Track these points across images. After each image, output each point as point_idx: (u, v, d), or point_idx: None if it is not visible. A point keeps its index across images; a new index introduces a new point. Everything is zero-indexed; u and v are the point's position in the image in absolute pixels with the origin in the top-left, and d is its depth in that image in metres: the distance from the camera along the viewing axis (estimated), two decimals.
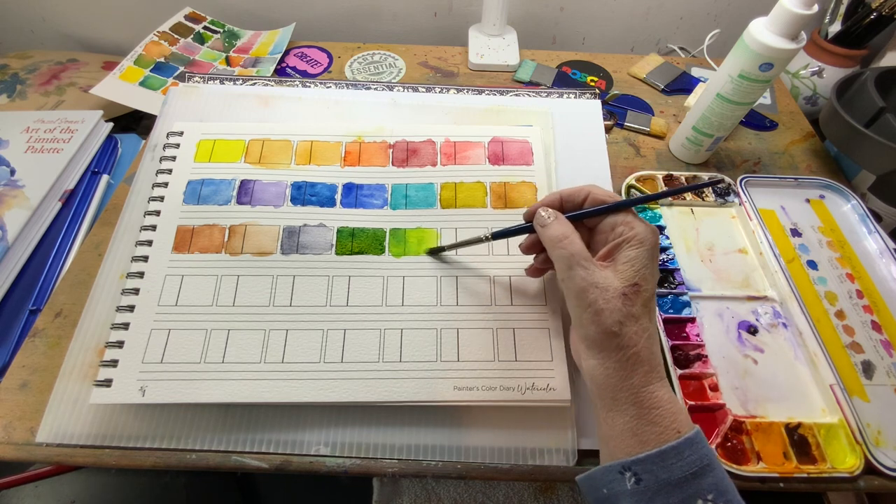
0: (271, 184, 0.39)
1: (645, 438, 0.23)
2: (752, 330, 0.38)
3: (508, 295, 0.35)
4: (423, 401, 0.31)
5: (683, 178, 0.46)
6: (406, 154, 0.41)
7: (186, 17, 0.63)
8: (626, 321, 0.24)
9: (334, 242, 0.36)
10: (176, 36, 0.60)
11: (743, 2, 0.66)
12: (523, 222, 0.30)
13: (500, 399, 0.31)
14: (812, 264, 0.41)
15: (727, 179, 0.46)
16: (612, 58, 0.62)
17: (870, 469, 0.31)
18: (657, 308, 0.37)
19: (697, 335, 0.37)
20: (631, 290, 0.24)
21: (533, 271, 0.33)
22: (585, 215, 0.28)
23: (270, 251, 0.36)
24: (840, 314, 0.39)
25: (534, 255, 0.32)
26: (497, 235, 0.31)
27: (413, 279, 0.35)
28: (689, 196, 0.45)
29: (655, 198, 0.28)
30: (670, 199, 0.45)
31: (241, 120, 0.44)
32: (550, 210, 0.28)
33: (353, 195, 0.39)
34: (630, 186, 0.45)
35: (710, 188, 0.46)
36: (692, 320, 0.37)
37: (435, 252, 0.36)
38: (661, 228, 0.43)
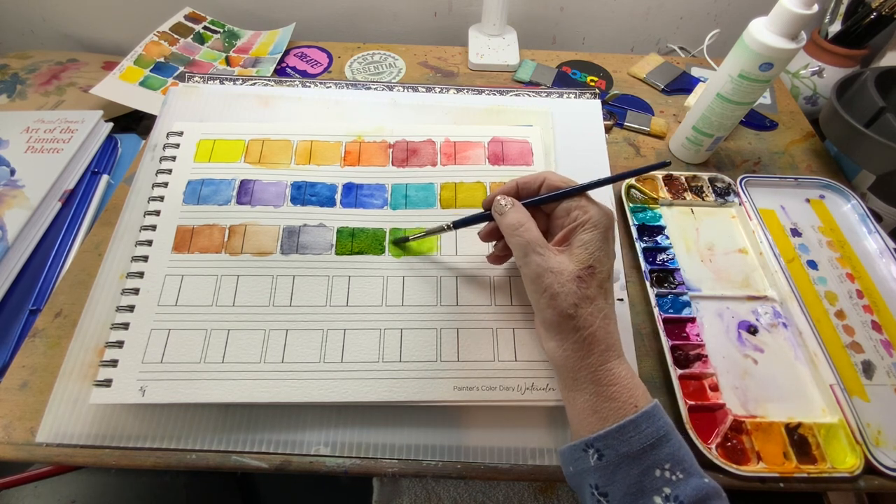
0: (271, 184, 0.39)
1: (605, 415, 0.24)
2: (752, 330, 0.38)
3: (508, 295, 0.35)
4: (422, 401, 0.31)
5: (683, 178, 0.46)
6: (406, 154, 0.41)
7: (186, 17, 0.63)
8: (581, 303, 0.25)
9: (334, 242, 0.36)
10: (176, 36, 0.60)
11: (743, 2, 0.66)
12: (482, 211, 0.31)
13: (499, 399, 0.31)
14: (812, 264, 0.41)
15: (728, 180, 0.46)
16: (612, 58, 0.62)
17: (870, 469, 0.31)
18: (653, 306, 0.37)
19: (697, 335, 0.37)
20: (585, 272, 0.25)
21: (493, 259, 0.33)
22: (541, 201, 0.29)
23: (270, 251, 0.36)
24: (840, 314, 0.39)
25: (493, 243, 0.33)
26: (458, 224, 0.32)
27: (413, 279, 0.35)
28: (689, 196, 0.45)
29: (604, 183, 0.28)
30: (670, 198, 0.45)
31: (241, 120, 0.44)
32: (507, 198, 0.28)
33: (353, 195, 0.39)
34: (630, 186, 0.45)
35: (711, 188, 0.46)
36: (692, 320, 0.37)
37: (399, 242, 0.36)
38: (661, 228, 0.43)
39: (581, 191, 0.28)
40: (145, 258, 0.35)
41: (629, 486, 0.22)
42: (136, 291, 0.34)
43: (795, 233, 0.43)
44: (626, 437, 0.23)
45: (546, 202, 0.29)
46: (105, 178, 0.48)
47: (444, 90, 0.49)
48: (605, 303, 0.26)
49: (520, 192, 0.30)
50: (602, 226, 0.26)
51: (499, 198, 0.29)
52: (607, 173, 0.43)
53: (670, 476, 0.22)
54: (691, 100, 0.55)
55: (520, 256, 0.27)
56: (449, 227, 0.32)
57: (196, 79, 0.49)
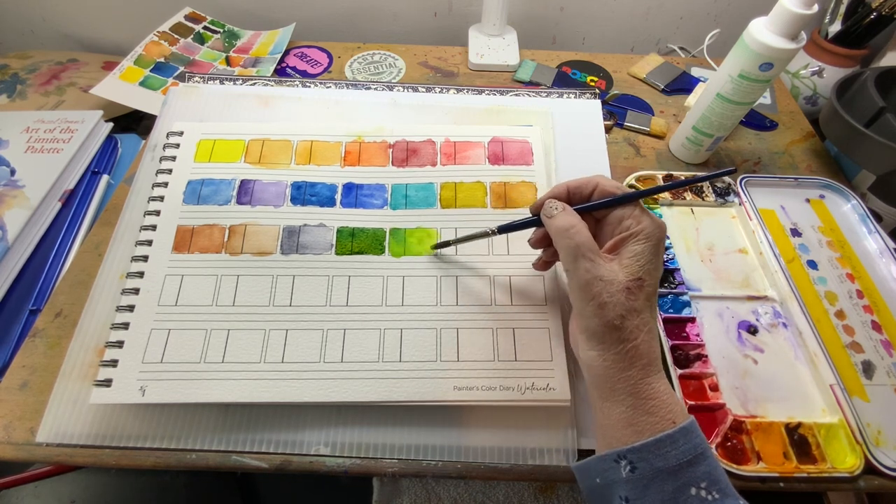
0: (271, 184, 0.39)
1: (640, 428, 0.23)
2: (752, 330, 0.38)
3: (508, 295, 0.35)
4: (422, 401, 0.31)
5: (683, 178, 0.46)
6: (406, 154, 0.41)
7: (186, 17, 0.63)
8: (629, 315, 0.24)
9: (334, 242, 0.36)
10: (176, 36, 0.60)
11: (743, 2, 0.66)
12: (530, 216, 0.30)
13: (499, 399, 0.31)
14: (812, 264, 0.41)
15: (727, 180, 0.46)
16: (612, 58, 0.62)
17: (870, 469, 0.31)
18: (658, 306, 0.37)
19: (697, 335, 0.37)
20: (635, 284, 0.25)
21: (541, 265, 0.33)
22: (593, 207, 0.28)
23: (270, 251, 0.36)
24: (840, 314, 0.39)
25: (542, 250, 0.32)
26: (503, 229, 0.31)
27: (413, 279, 0.35)
28: (689, 196, 0.45)
29: (665, 189, 0.28)
30: (670, 198, 0.45)
31: (241, 120, 0.45)
32: (557, 202, 0.28)
33: (353, 195, 0.39)
34: (630, 186, 0.45)
35: (711, 188, 0.46)
36: (692, 320, 0.37)
37: (440, 246, 0.36)
38: None
39: (636, 198, 0.27)
40: (145, 258, 0.35)
41: (663, 502, 0.22)
42: (136, 291, 0.34)
43: (795, 233, 0.43)
44: (663, 452, 0.22)
45: (598, 208, 0.27)
46: (105, 178, 0.48)
47: (444, 90, 0.49)
48: (650, 316, 0.25)
49: (570, 197, 0.29)
50: (655, 238, 0.25)
51: (549, 201, 0.28)
52: (607, 174, 0.43)
53: (706, 495, 0.22)
54: (691, 100, 0.55)
55: (569, 261, 0.25)
56: (494, 232, 0.31)
57: (196, 79, 0.49)
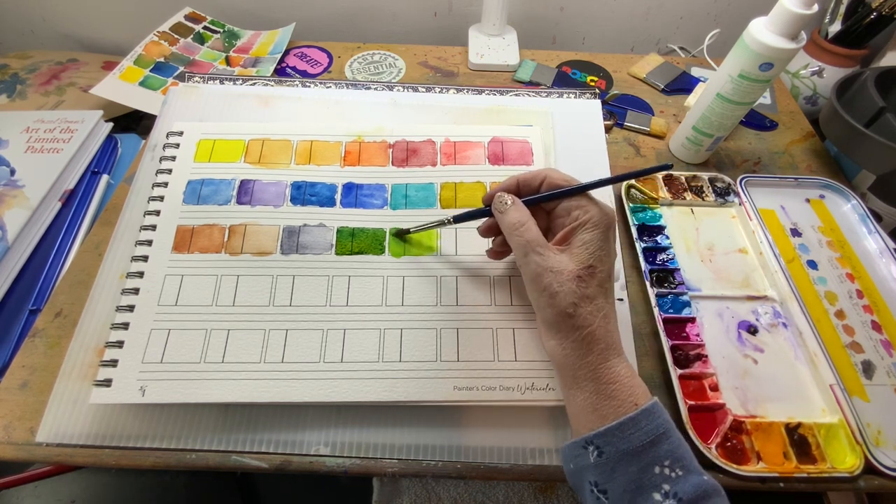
0: (271, 184, 0.39)
1: (604, 413, 0.24)
2: (752, 330, 0.38)
3: (508, 295, 0.35)
4: (422, 401, 0.31)
5: (683, 178, 0.46)
6: (406, 154, 0.41)
7: (186, 17, 0.63)
8: (581, 302, 0.25)
9: (334, 242, 0.36)
10: (176, 36, 0.60)
11: (743, 1, 0.66)
12: (483, 207, 0.31)
13: (499, 399, 0.31)
14: (812, 264, 0.41)
15: (727, 180, 0.46)
16: (611, 58, 0.62)
17: (870, 469, 0.31)
18: (653, 306, 0.37)
19: (697, 335, 0.37)
20: (585, 272, 0.25)
21: (493, 254, 0.33)
22: (541, 199, 0.29)
23: (270, 251, 0.36)
24: (840, 314, 0.39)
25: (492, 238, 0.33)
26: (458, 219, 0.32)
27: (413, 279, 0.35)
28: (689, 196, 0.45)
29: (605, 183, 0.28)
30: (670, 198, 0.45)
31: (241, 120, 0.45)
32: (507, 195, 0.28)
33: (353, 195, 0.39)
34: (630, 186, 0.45)
35: (711, 188, 0.46)
36: (692, 320, 0.37)
37: (400, 235, 0.36)
38: (661, 228, 0.43)
39: (582, 190, 0.28)
40: (145, 258, 0.35)
41: (628, 483, 0.22)
42: (136, 291, 0.34)
43: (795, 233, 0.43)
44: (626, 435, 0.23)
45: (546, 200, 0.28)
46: (105, 177, 0.48)
47: (444, 90, 0.49)
48: (605, 302, 0.26)
49: (520, 189, 0.29)
50: (603, 225, 0.26)
51: (499, 195, 0.29)
52: (607, 173, 0.43)
53: (669, 473, 0.22)
54: (691, 100, 0.55)
55: (520, 256, 0.27)
56: (449, 222, 0.32)
57: (196, 79, 0.49)
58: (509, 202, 0.28)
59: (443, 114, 0.46)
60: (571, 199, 0.27)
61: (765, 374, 0.36)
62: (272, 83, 0.50)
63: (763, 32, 0.38)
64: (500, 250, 0.33)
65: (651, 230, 0.43)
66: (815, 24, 0.59)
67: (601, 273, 0.26)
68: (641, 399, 0.24)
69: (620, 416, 0.24)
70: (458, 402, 0.31)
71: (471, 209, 0.32)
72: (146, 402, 0.30)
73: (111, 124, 0.52)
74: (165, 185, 0.39)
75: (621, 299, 0.38)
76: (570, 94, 0.49)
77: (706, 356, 0.36)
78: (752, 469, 0.31)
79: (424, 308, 0.34)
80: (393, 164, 0.40)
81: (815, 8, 0.36)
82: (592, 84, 0.58)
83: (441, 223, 0.33)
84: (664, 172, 0.46)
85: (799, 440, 0.33)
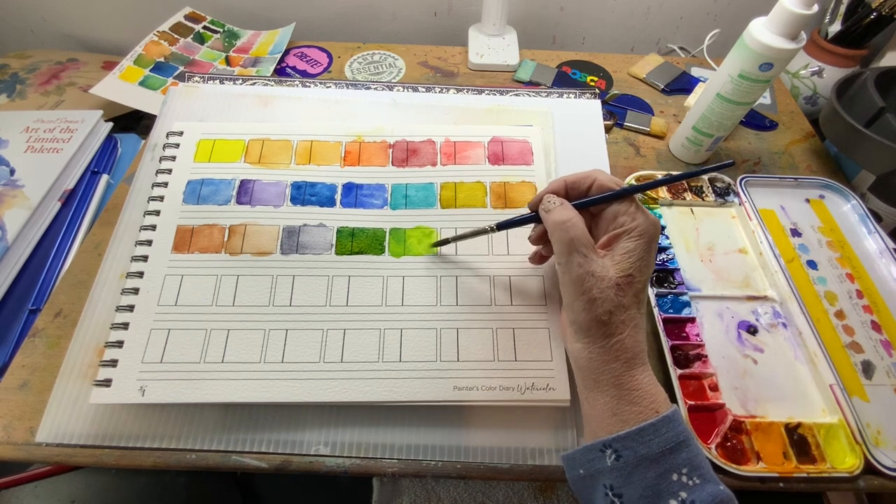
0: (271, 184, 0.39)
1: (625, 418, 0.24)
2: (752, 330, 0.38)
3: (508, 295, 0.35)
4: (422, 401, 0.31)
5: (681, 173, 0.46)
6: (406, 154, 0.41)
7: (186, 17, 0.63)
8: (616, 311, 0.25)
9: (334, 242, 0.36)
10: (176, 36, 0.60)
11: (743, 1, 0.66)
12: (528, 213, 0.30)
13: (499, 399, 0.31)
14: (812, 264, 0.41)
15: (727, 180, 0.46)
16: (611, 57, 0.62)
17: (869, 469, 0.31)
18: (653, 306, 0.37)
19: (697, 335, 0.37)
20: (624, 280, 0.25)
21: (537, 258, 0.33)
22: (590, 203, 0.28)
23: (270, 251, 0.36)
24: (840, 314, 0.39)
25: (540, 245, 0.32)
26: (502, 226, 0.31)
27: (413, 279, 0.35)
28: (689, 196, 0.45)
29: (660, 184, 0.28)
30: (670, 198, 0.45)
31: (241, 120, 0.45)
32: (555, 197, 0.28)
33: (353, 195, 0.39)
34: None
35: (711, 188, 0.46)
36: (692, 320, 0.37)
37: (439, 244, 0.36)
38: (661, 228, 0.43)
39: (632, 193, 0.27)
40: (145, 258, 0.35)
41: (645, 489, 0.22)
42: (135, 291, 0.34)
43: (795, 233, 0.43)
44: (646, 440, 0.23)
45: (595, 204, 0.28)
46: (105, 177, 0.48)
47: (444, 90, 0.49)
48: (637, 312, 0.26)
49: (568, 192, 0.29)
50: (648, 235, 0.26)
51: (547, 196, 0.28)
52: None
53: (687, 481, 0.22)
54: (691, 100, 0.55)
55: (562, 253, 0.26)
56: (493, 229, 0.31)
57: (196, 79, 0.49)
58: (556, 202, 0.27)
59: (443, 114, 0.46)
60: (620, 205, 0.27)
61: (764, 374, 0.36)
62: (272, 83, 0.50)
63: (763, 32, 0.38)
64: (547, 255, 0.32)
65: None
66: (815, 24, 0.59)
67: (638, 283, 0.25)
68: (662, 407, 0.24)
69: (641, 422, 0.23)
70: (458, 402, 0.31)
71: (517, 216, 0.30)
72: (146, 402, 0.30)
73: (111, 124, 0.52)
74: (165, 184, 0.39)
75: None
76: (570, 94, 0.49)
77: (706, 356, 0.36)
78: (751, 469, 0.31)
79: (424, 308, 0.34)
80: (393, 164, 0.40)
81: (815, 8, 0.36)
82: (592, 84, 0.58)
83: (484, 231, 0.32)
84: (664, 173, 0.46)
85: (799, 440, 0.33)
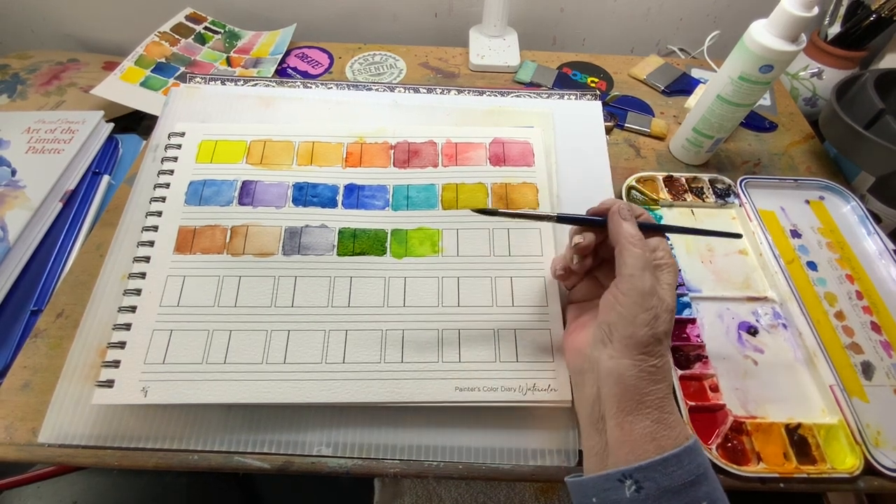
0: (273, 185, 0.39)
1: (663, 443, 0.24)
2: (753, 331, 0.38)
3: (510, 296, 0.35)
4: (424, 401, 0.31)
5: (684, 179, 0.46)
6: (407, 155, 0.41)
7: (187, 18, 0.63)
8: (668, 334, 0.26)
9: (336, 243, 0.36)
10: (177, 36, 0.60)
11: (743, 3, 0.67)
12: (592, 216, 0.29)
13: (501, 400, 0.31)
14: (812, 265, 0.41)
15: (727, 181, 0.46)
16: (612, 59, 0.62)
17: (869, 469, 0.32)
18: None
19: (698, 336, 0.37)
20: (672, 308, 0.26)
21: (567, 275, 0.31)
22: (657, 228, 0.29)
23: (272, 252, 0.36)
24: (840, 315, 0.39)
25: (573, 259, 0.30)
26: (563, 219, 0.30)
27: (414, 280, 0.35)
28: (689, 197, 0.45)
29: (699, 233, 0.30)
30: (671, 199, 0.45)
31: (243, 121, 0.45)
32: (627, 207, 0.29)
33: (355, 196, 0.39)
34: (630, 187, 0.45)
35: (711, 189, 0.46)
36: (692, 321, 0.38)
37: (486, 212, 0.30)
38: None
39: (701, 233, 0.31)
40: (147, 259, 0.35)
41: None
42: (137, 292, 0.34)
43: (795, 234, 0.43)
44: (669, 471, 0.22)
45: (663, 231, 0.30)
46: (106, 178, 0.48)
47: (445, 91, 0.49)
48: (667, 344, 0.27)
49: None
50: (675, 272, 0.27)
51: (622, 203, 0.28)
52: (608, 174, 0.44)
53: None
54: (691, 101, 0.55)
55: (637, 266, 0.26)
56: (551, 218, 0.30)
57: (197, 79, 0.49)
58: (629, 214, 0.28)
59: (444, 115, 0.46)
60: (660, 239, 0.28)
61: (765, 374, 0.36)
62: (273, 84, 0.50)
63: (763, 34, 0.38)
64: (579, 272, 0.31)
65: None
66: (815, 25, 0.59)
67: (672, 318, 0.26)
68: (687, 433, 0.24)
69: (673, 448, 0.23)
70: (460, 402, 0.31)
71: (581, 214, 0.30)
72: (148, 402, 0.30)
73: (112, 125, 0.52)
74: (167, 185, 0.39)
75: None
76: (571, 96, 0.49)
77: (706, 357, 0.36)
78: (752, 470, 0.31)
79: (426, 309, 0.34)
80: (394, 166, 0.41)
81: (816, 10, 0.36)
82: (593, 85, 0.58)
83: (544, 217, 0.31)
84: (664, 174, 0.47)
85: (799, 441, 0.33)
